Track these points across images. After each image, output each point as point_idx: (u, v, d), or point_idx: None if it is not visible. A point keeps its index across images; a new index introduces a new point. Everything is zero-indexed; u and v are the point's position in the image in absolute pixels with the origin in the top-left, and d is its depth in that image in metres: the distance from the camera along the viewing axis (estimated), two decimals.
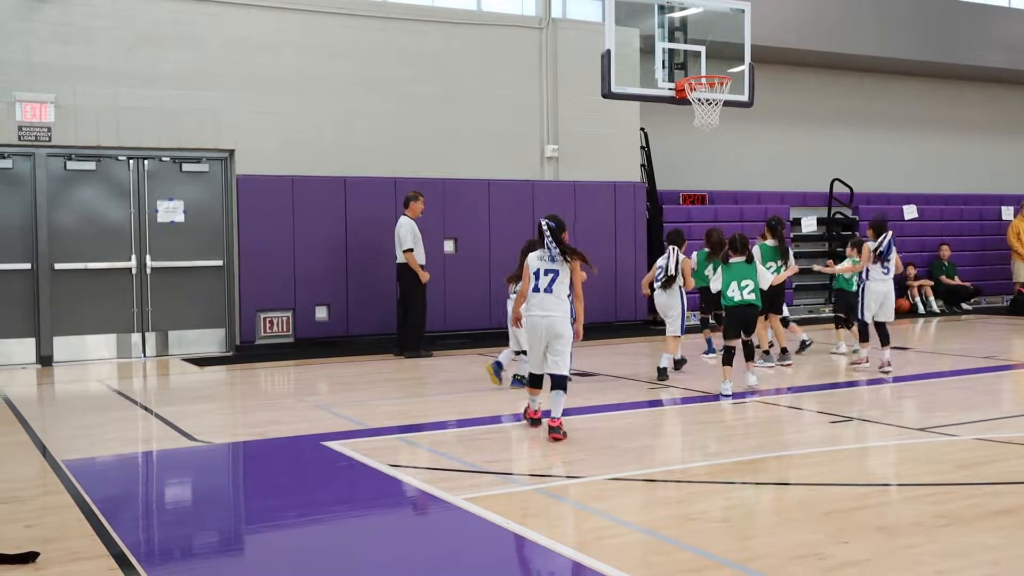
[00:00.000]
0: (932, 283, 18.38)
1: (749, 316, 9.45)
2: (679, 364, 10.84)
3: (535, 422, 7.75)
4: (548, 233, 7.39)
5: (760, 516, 5.27)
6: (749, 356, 9.58)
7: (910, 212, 19.28)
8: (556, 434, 7.22)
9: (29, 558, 4.61)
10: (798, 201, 18.39)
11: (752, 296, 9.38)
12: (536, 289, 7.46)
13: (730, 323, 9.47)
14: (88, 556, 4.74)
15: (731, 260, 9.49)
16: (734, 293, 9.39)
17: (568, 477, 6.16)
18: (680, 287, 10.64)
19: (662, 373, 10.28)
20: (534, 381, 7.67)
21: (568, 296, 7.51)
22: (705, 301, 12.05)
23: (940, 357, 12.25)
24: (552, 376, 7.38)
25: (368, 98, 13.84)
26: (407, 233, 12.34)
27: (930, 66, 19.59)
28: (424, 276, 12.38)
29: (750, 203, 17.83)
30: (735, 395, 9.12)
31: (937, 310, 18.14)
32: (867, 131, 19.84)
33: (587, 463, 6.62)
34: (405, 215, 12.51)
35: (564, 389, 7.36)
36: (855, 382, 10.21)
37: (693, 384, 9.93)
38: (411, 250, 12.28)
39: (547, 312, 7.40)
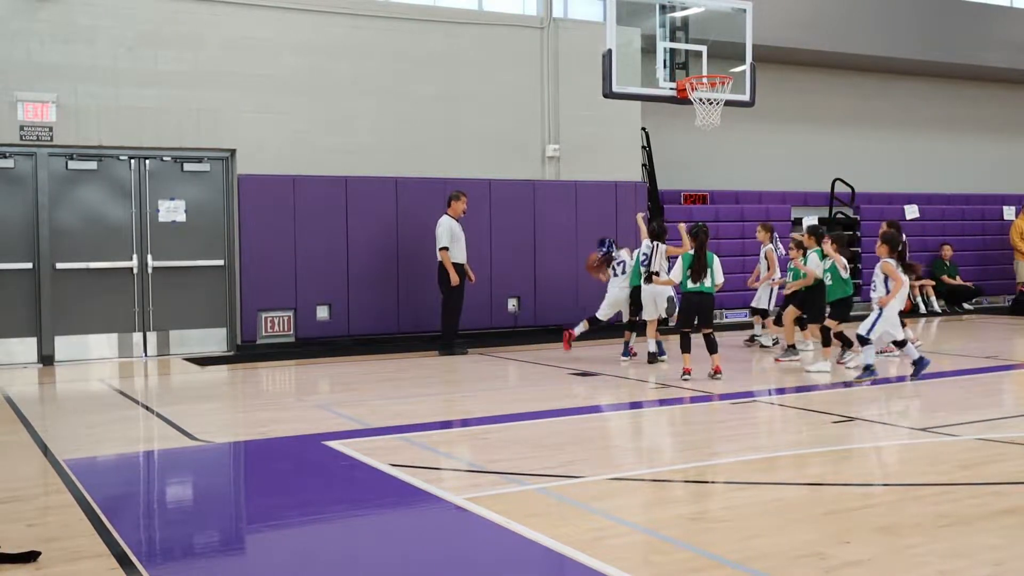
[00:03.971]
0: (934, 283, 18.36)
1: None
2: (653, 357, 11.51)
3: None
4: None
5: (761, 516, 5.27)
6: None
7: (912, 212, 19.26)
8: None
9: (30, 557, 4.62)
10: (799, 201, 18.37)
11: None
12: None
13: None
14: (89, 555, 4.74)
15: None
16: None
17: (569, 477, 6.16)
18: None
19: (652, 357, 11.40)
20: None
21: None
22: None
23: (942, 357, 12.23)
24: None
25: (369, 98, 13.84)
26: (444, 232, 12.47)
27: (931, 66, 19.58)
28: (454, 278, 12.41)
29: (751, 203, 17.81)
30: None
31: (939, 310, 18.13)
32: (869, 131, 19.83)
33: (588, 463, 6.62)
34: (447, 214, 12.63)
35: None
36: (855, 382, 10.20)
37: (694, 384, 9.92)
38: (446, 248, 12.36)
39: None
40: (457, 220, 12.67)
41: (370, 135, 13.85)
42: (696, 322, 10.35)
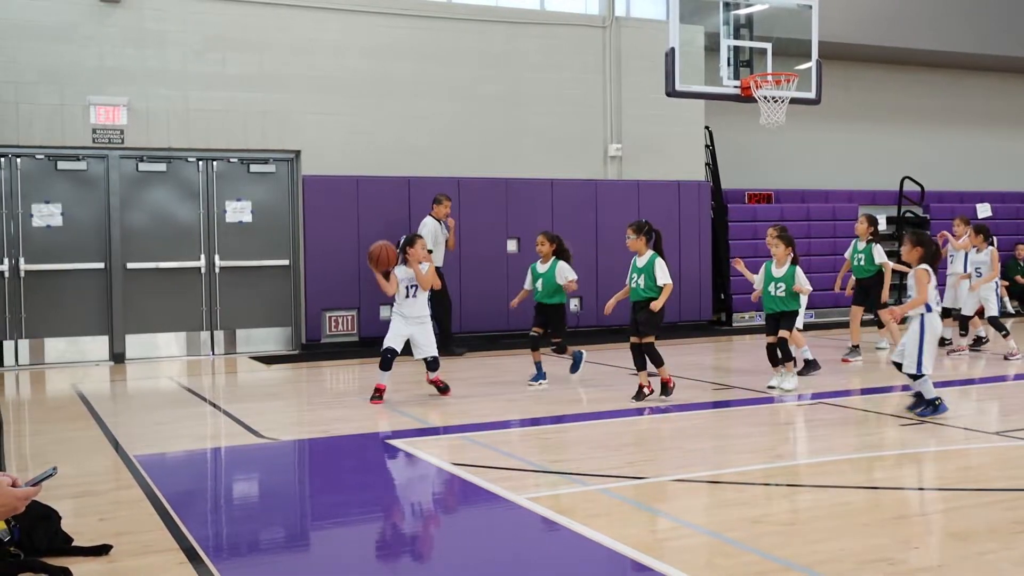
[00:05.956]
0: (1007, 283, 17.92)
1: None
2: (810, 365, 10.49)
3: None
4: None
5: (828, 520, 5.18)
6: None
7: (984, 210, 18.79)
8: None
9: (102, 551, 4.72)
10: (867, 200, 18.05)
11: None
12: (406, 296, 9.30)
13: None
14: (159, 549, 4.83)
15: None
16: None
17: (632, 478, 6.12)
18: None
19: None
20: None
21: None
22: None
23: (1016, 360, 11.92)
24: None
25: (432, 98, 13.91)
26: (428, 237, 12.35)
27: (1000, 60, 19.10)
28: (436, 282, 12.23)
29: (817, 202, 17.55)
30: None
31: (1012, 311, 17.67)
32: (938, 127, 19.40)
33: (652, 464, 6.57)
34: (430, 215, 12.65)
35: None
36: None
37: (759, 385, 9.79)
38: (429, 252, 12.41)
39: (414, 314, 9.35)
40: (441, 223, 12.64)
41: (433, 135, 13.93)
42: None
